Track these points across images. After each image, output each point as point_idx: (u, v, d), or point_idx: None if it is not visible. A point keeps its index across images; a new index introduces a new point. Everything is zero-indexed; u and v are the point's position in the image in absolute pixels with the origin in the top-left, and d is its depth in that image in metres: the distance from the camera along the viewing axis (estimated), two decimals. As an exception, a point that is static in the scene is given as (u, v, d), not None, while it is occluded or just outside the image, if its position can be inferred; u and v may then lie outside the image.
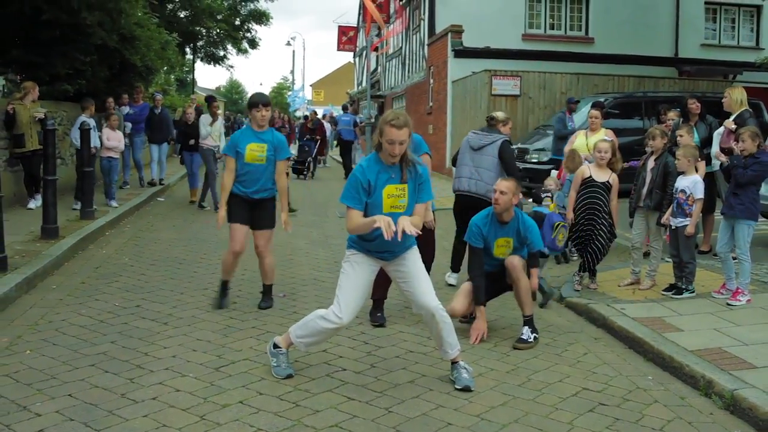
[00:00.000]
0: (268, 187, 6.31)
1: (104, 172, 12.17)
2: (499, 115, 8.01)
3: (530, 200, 8.26)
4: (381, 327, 5.96)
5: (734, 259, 6.56)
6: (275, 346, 4.82)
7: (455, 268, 7.66)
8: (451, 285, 7.43)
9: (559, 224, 7.02)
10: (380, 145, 4.49)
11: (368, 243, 4.60)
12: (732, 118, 8.13)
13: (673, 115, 8.90)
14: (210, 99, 14.29)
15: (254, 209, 6.29)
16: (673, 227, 6.72)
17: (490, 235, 5.74)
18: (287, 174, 6.51)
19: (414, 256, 4.72)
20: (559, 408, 4.40)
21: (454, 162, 7.80)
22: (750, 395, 4.37)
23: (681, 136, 7.38)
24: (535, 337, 5.65)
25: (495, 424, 4.13)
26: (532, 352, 5.44)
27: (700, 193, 6.53)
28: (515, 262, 5.69)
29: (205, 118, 12.87)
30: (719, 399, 4.52)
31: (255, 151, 6.17)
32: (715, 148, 8.17)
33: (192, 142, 13.31)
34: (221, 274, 6.52)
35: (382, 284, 5.90)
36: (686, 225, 6.56)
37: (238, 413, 4.15)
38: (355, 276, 4.62)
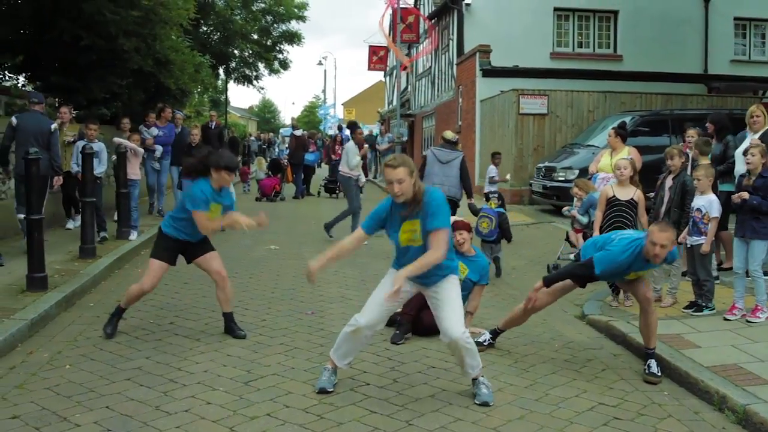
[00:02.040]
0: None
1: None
2: (451, 136, 10.06)
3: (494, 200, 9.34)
4: (395, 344, 6.13)
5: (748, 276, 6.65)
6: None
7: None
8: None
9: (482, 215, 8.82)
10: None
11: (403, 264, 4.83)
12: (758, 136, 8.20)
13: (693, 133, 9.00)
14: (354, 125, 13.42)
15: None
16: (689, 245, 6.84)
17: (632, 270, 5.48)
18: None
19: (449, 284, 4.86)
20: (574, 422, 4.54)
21: (421, 175, 8.38)
22: (762, 410, 4.48)
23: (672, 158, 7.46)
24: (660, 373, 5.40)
25: (511, 437, 4.30)
26: (550, 368, 5.59)
27: (715, 211, 6.64)
28: (649, 295, 5.57)
29: (353, 147, 12.27)
30: (732, 414, 4.63)
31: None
32: (739, 167, 8.23)
33: None
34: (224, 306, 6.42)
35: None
36: (702, 243, 6.67)
37: (265, 425, 4.36)
38: (384, 287, 4.87)
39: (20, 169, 8.65)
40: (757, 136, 8.22)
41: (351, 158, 12.12)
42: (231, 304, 6.36)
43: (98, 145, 10.26)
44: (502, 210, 8.92)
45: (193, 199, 5.91)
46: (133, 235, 10.87)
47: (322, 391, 4.89)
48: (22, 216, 8.69)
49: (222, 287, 6.28)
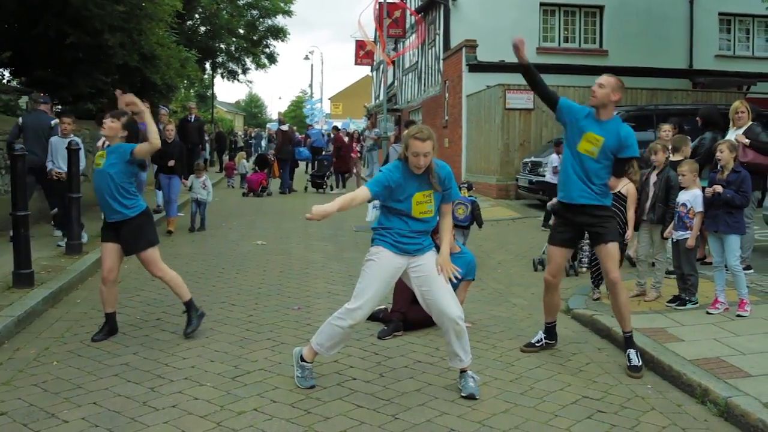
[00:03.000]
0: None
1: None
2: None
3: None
4: (381, 339, 6.16)
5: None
6: (302, 358, 5.03)
7: None
8: None
9: (458, 202, 9.05)
10: (407, 158, 4.73)
11: (396, 230, 4.82)
12: (742, 131, 8.29)
13: (667, 128, 9.09)
14: (410, 123, 13.00)
15: None
16: (674, 240, 6.91)
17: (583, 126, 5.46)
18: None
19: (432, 260, 4.89)
20: (558, 415, 4.59)
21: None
22: (743, 402, 4.54)
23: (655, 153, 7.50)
24: (641, 362, 5.39)
25: (495, 430, 4.34)
26: (535, 362, 5.64)
27: (700, 206, 6.70)
28: (613, 277, 5.43)
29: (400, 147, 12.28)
30: (714, 406, 4.69)
31: None
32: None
33: (171, 163, 11.82)
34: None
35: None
36: (687, 238, 6.75)
37: (252, 420, 4.39)
38: (377, 270, 4.82)
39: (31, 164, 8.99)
40: (741, 131, 8.30)
41: (393, 156, 12.05)
42: (184, 294, 6.18)
43: (74, 141, 9.66)
44: (474, 198, 9.51)
45: None
46: None
47: (312, 387, 4.92)
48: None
49: (166, 284, 6.21)
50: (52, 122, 10.07)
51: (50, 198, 10.70)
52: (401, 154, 4.79)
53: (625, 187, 7.24)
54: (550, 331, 6.01)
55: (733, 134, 8.35)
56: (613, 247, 5.49)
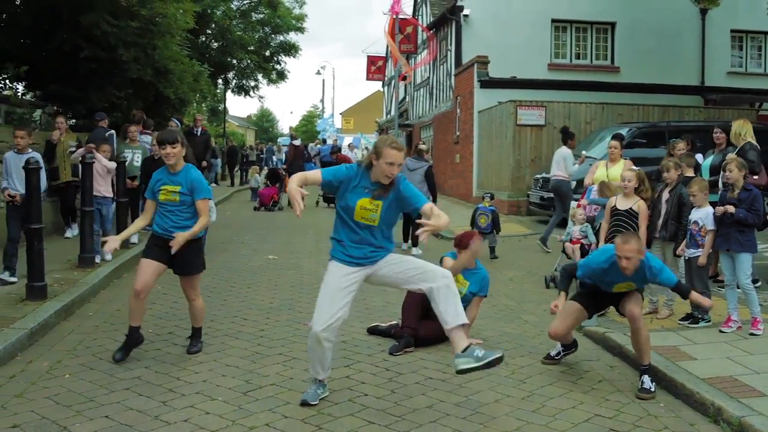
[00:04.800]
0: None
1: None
2: (424, 147, 12.81)
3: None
4: (393, 355, 6.14)
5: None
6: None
7: (406, 239, 12.22)
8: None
9: (480, 212, 11.38)
10: (370, 165, 4.77)
11: (349, 245, 4.86)
12: (735, 152, 8.29)
13: (681, 146, 9.08)
14: (570, 133, 12.80)
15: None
16: (686, 258, 6.89)
17: (610, 278, 5.55)
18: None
19: (393, 256, 4.93)
20: (571, 433, 4.58)
21: None
22: (756, 422, 4.51)
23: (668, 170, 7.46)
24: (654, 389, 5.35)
25: (508, 448, 4.33)
26: (547, 379, 5.62)
27: (712, 224, 6.69)
28: (635, 313, 5.40)
29: (569, 153, 12.29)
30: (727, 425, 4.66)
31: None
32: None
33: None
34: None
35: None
36: (699, 256, 6.73)
37: (264, 435, 4.40)
38: (329, 284, 4.85)
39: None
40: (735, 152, 8.29)
41: (569, 164, 12.49)
42: (200, 321, 6.20)
43: (32, 157, 7.89)
44: (493, 208, 11.44)
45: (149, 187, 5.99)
46: (98, 258, 9.38)
47: (305, 404, 4.87)
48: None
49: (191, 307, 6.17)
50: (105, 134, 11.68)
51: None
52: (365, 161, 4.84)
53: (636, 203, 7.22)
54: (568, 344, 6.06)
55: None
56: (635, 294, 5.62)
